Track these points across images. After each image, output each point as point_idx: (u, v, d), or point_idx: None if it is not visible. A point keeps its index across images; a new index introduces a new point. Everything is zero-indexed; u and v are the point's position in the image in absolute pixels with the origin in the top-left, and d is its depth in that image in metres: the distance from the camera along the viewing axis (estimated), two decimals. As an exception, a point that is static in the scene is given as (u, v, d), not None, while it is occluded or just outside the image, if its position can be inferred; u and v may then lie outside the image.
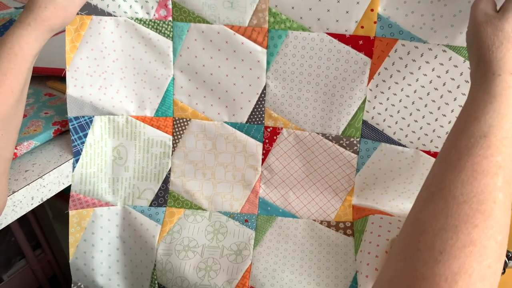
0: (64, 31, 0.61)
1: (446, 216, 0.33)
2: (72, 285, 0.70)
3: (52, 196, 0.63)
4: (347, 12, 0.57)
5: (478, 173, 0.34)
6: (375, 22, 0.58)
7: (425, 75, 0.59)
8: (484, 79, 0.40)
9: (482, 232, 0.32)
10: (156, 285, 0.66)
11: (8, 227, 1.03)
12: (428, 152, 0.63)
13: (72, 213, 0.67)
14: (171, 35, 0.64)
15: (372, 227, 0.62)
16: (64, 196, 0.69)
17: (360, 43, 0.59)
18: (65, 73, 0.63)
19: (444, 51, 0.56)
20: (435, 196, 0.35)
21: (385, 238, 0.59)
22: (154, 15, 0.63)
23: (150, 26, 0.64)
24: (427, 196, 0.36)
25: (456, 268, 0.31)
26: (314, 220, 0.70)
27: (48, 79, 0.80)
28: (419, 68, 0.58)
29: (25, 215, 1.04)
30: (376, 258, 0.57)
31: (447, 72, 0.57)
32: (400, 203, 0.68)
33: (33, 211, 1.07)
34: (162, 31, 0.64)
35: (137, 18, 0.63)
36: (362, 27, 0.58)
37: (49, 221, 1.05)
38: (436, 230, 0.33)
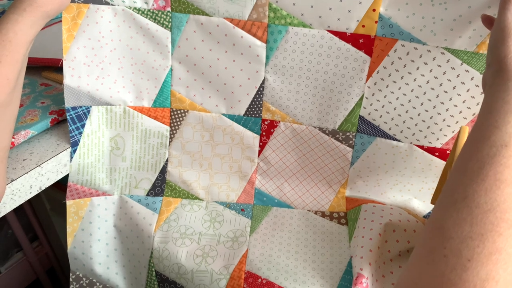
0: (57, 22, 0.60)
1: (471, 224, 0.34)
2: (71, 274, 0.71)
3: (50, 187, 0.63)
4: (349, 11, 0.57)
5: (501, 182, 0.35)
6: (376, 22, 0.58)
7: (423, 75, 0.59)
8: (503, 87, 0.40)
9: (507, 240, 0.33)
10: (153, 273, 0.68)
11: (5, 220, 1.03)
12: (421, 147, 0.65)
13: (69, 203, 0.68)
14: (169, 26, 0.63)
15: (365, 214, 0.65)
16: (62, 186, 0.70)
17: (361, 41, 0.60)
18: (62, 62, 0.62)
19: (443, 53, 0.57)
20: (458, 203, 0.36)
21: (378, 222, 0.61)
22: (153, 5, 0.62)
23: (148, 16, 0.63)
24: (450, 204, 0.37)
25: (484, 275, 0.32)
26: (309, 211, 0.72)
27: (43, 69, 0.79)
28: (417, 68, 0.59)
29: (22, 207, 1.04)
30: (370, 240, 0.59)
31: (444, 73, 0.58)
32: (392, 195, 0.71)
33: (30, 203, 1.06)
34: (161, 21, 0.63)
35: (135, 8, 0.62)
36: (363, 26, 0.58)
37: (47, 213, 1.04)
38: (461, 237, 0.34)
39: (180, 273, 0.65)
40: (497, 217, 0.34)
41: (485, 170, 0.36)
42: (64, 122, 0.68)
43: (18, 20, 0.49)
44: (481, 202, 0.35)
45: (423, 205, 0.69)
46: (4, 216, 1.00)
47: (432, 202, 0.60)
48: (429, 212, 0.69)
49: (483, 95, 0.58)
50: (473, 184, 0.36)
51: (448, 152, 0.64)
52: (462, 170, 0.38)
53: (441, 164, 0.65)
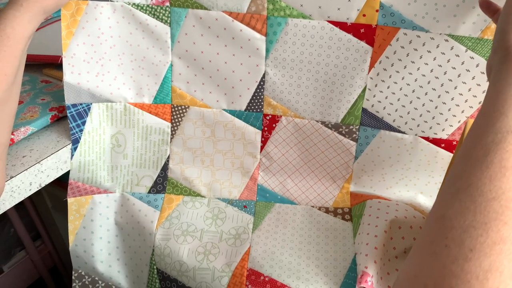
0: (58, 20, 0.60)
1: (475, 213, 0.33)
2: (73, 272, 0.71)
3: (51, 185, 0.63)
4: (349, 0, 0.56)
5: (506, 169, 0.34)
6: (377, 11, 0.57)
7: (427, 64, 0.58)
8: (510, 73, 0.39)
9: None
10: (155, 270, 0.67)
11: (7, 218, 1.03)
12: (426, 139, 0.63)
13: (70, 200, 0.67)
14: (168, 21, 0.63)
15: (370, 210, 0.63)
16: (63, 184, 0.69)
17: (362, 31, 0.59)
18: (61, 59, 0.62)
19: (446, 40, 0.56)
20: (461, 192, 0.35)
21: (383, 219, 0.60)
22: (152, 0, 0.62)
23: (147, 12, 0.62)
24: (452, 192, 0.35)
25: (487, 266, 0.31)
26: (313, 207, 0.71)
27: (44, 66, 0.79)
28: (421, 57, 0.58)
29: (24, 205, 1.05)
30: (375, 237, 0.58)
31: (448, 61, 0.57)
32: (398, 190, 0.69)
33: (32, 201, 1.07)
34: (160, 16, 0.63)
35: (134, 3, 0.62)
36: (364, 15, 0.57)
37: (49, 211, 1.04)
38: (464, 227, 0.33)
39: (181, 271, 0.64)
40: (501, 205, 0.32)
41: (490, 157, 0.34)
42: (64, 119, 0.68)
43: (16, 16, 0.49)
44: (485, 190, 0.33)
45: (429, 200, 0.67)
46: (6, 215, 1.01)
47: None
48: (437, 207, 0.67)
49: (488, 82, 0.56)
50: (477, 172, 0.34)
51: (454, 143, 0.62)
52: (465, 158, 0.37)
53: (447, 156, 0.63)
